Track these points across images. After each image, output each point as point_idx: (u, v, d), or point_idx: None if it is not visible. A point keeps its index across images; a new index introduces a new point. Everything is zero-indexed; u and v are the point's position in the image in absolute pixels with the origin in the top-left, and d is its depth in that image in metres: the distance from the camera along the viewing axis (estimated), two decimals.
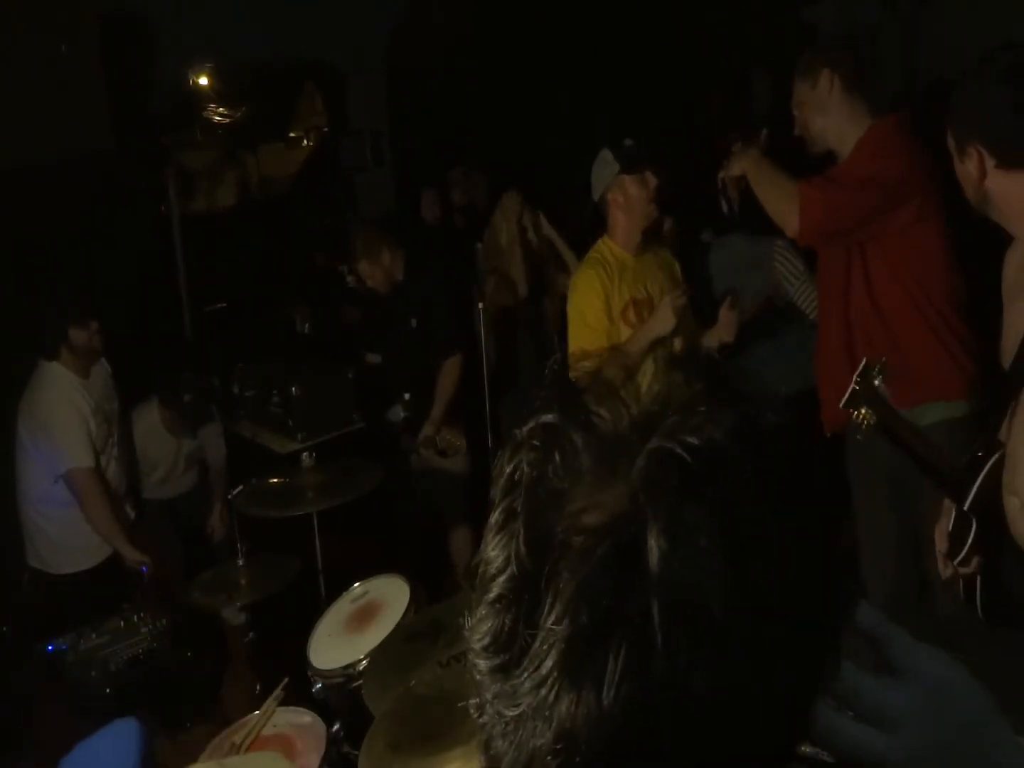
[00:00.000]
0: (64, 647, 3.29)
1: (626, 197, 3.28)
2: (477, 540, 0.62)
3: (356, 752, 2.24)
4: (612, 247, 3.35)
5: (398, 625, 2.68)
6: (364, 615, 2.87)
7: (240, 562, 3.42)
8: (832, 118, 2.91)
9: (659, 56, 9.41)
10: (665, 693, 0.49)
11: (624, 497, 0.52)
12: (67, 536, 3.87)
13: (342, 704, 2.64)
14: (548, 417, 0.56)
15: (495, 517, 0.56)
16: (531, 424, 0.57)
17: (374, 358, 5.26)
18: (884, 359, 2.11)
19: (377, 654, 2.57)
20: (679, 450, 0.51)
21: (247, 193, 11.59)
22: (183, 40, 10.37)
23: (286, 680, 2.59)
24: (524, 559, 0.53)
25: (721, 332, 3.41)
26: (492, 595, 0.55)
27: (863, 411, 2.10)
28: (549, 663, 0.51)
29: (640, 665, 0.49)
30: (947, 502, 2.20)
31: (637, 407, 0.55)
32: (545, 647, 0.51)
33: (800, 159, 3.10)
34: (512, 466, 0.56)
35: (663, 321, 3.17)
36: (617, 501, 0.52)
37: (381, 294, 4.38)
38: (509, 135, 9.69)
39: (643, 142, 3.36)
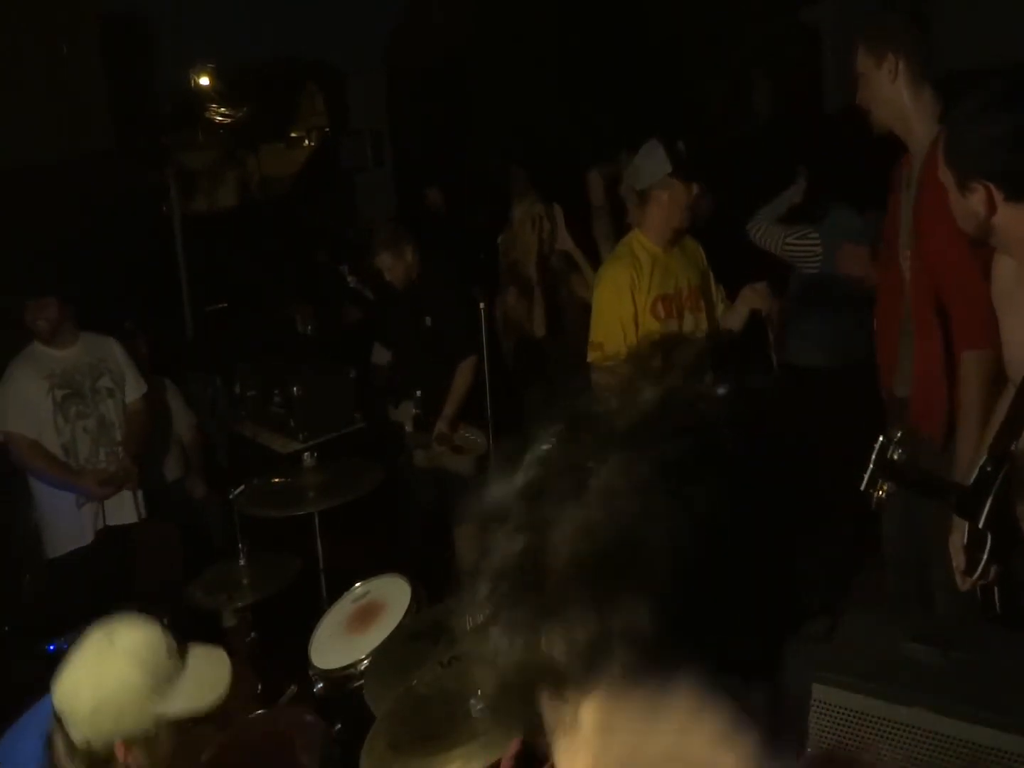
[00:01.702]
0: (65, 646, 3.27)
1: (671, 199, 3.26)
2: None
3: (357, 752, 2.25)
4: (643, 241, 3.33)
5: (399, 625, 2.68)
6: (365, 615, 2.87)
7: (241, 562, 3.42)
8: (896, 105, 2.66)
9: (659, 56, 9.41)
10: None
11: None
12: (48, 511, 3.98)
13: (343, 704, 2.65)
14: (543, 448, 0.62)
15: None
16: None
17: (380, 355, 5.24)
18: (900, 432, 2.01)
19: (378, 654, 2.57)
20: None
21: (248, 193, 11.61)
22: (184, 40, 10.38)
23: (294, 688, 2.59)
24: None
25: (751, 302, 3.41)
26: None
27: (883, 487, 2.02)
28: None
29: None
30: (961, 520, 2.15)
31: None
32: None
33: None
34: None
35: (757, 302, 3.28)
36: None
37: (397, 290, 4.38)
38: (509, 135, 9.69)
39: (689, 148, 3.34)
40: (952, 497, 2.13)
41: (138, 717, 1.67)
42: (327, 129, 11.89)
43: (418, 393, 4.20)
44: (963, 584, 2.13)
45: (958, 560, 2.13)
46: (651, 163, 3.28)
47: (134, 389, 4.18)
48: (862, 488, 2.03)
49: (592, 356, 3.29)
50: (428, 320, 4.27)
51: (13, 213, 6.00)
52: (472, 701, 1.92)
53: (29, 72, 7.26)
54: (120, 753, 1.67)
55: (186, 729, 1.73)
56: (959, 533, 2.13)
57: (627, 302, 3.24)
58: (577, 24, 9.78)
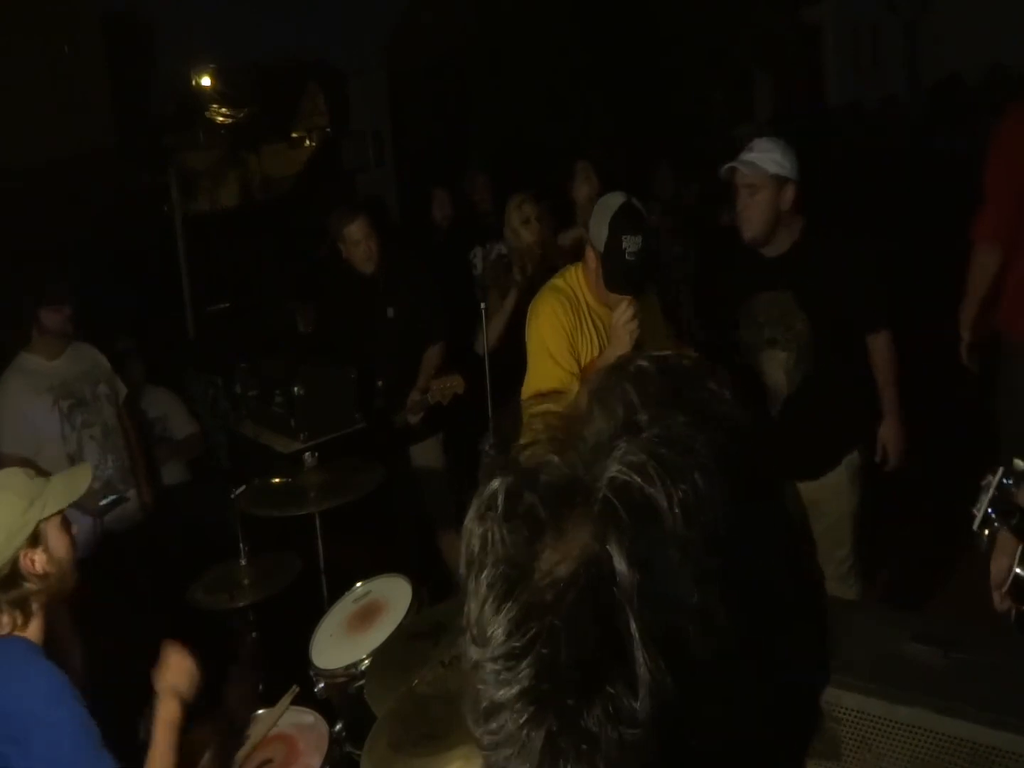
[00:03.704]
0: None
1: (598, 273, 2.73)
2: None
3: (358, 752, 2.25)
4: (583, 284, 2.82)
5: (400, 625, 2.68)
6: (366, 615, 2.88)
7: (242, 562, 3.42)
8: None
9: (660, 56, 9.42)
10: (660, 724, 0.49)
11: (588, 537, 0.52)
12: None
13: (344, 704, 2.65)
14: (494, 484, 0.56)
15: (478, 592, 0.57)
16: (483, 493, 0.56)
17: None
18: (1016, 460, 1.78)
19: (379, 654, 2.57)
20: (631, 475, 0.52)
21: (249, 193, 11.62)
22: (186, 41, 10.42)
23: (296, 688, 2.59)
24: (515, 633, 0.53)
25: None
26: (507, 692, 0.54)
27: (993, 529, 1.77)
28: (531, 725, 0.51)
29: (629, 704, 0.49)
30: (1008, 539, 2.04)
31: (585, 446, 0.55)
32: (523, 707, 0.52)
33: None
34: (479, 536, 0.56)
35: (617, 348, 2.64)
36: (582, 544, 0.52)
37: (359, 278, 4.33)
38: (509, 134, 9.69)
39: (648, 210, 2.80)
40: (1014, 520, 2.00)
41: (23, 528, 1.99)
42: (328, 129, 11.91)
43: (379, 383, 4.19)
44: (1001, 604, 2.03)
45: (1000, 579, 2.01)
46: (598, 225, 2.68)
47: (121, 392, 4.18)
48: (974, 528, 1.78)
49: (530, 410, 2.91)
50: (390, 311, 4.25)
51: (13, 213, 6.01)
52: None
53: (30, 72, 7.26)
54: (26, 564, 1.98)
55: (66, 527, 2.09)
56: (1007, 556, 2.01)
57: (566, 340, 2.73)
58: (578, 24, 9.79)
